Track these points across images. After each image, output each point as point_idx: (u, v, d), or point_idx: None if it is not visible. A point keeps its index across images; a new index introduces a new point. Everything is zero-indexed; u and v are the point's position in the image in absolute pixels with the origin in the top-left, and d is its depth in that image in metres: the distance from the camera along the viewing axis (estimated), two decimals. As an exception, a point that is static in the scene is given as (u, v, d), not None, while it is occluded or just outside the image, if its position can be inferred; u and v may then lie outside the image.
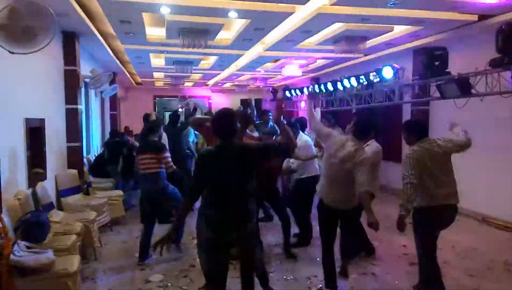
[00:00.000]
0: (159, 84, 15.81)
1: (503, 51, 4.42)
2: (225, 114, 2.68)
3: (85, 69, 7.16)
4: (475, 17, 5.70)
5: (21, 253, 3.18)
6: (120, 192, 6.50)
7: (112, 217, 5.94)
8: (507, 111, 5.77)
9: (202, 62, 10.07)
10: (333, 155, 3.41)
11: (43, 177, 4.99)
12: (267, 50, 8.01)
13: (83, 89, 7.10)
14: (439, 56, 5.61)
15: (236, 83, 15.03)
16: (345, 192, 3.37)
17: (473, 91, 5.16)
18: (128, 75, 12.29)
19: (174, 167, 4.69)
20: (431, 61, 5.73)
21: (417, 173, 3.16)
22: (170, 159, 4.65)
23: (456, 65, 5.64)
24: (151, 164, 4.56)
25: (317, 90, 8.85)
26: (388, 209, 5.09)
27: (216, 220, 2.63)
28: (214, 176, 2.60)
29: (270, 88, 13.25)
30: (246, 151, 2.67)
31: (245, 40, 7.12)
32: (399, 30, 6.61)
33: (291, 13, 5.43)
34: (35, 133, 4.83)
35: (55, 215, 4.73)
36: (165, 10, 5.23)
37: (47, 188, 5.01)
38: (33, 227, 3.66)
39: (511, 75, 4.75)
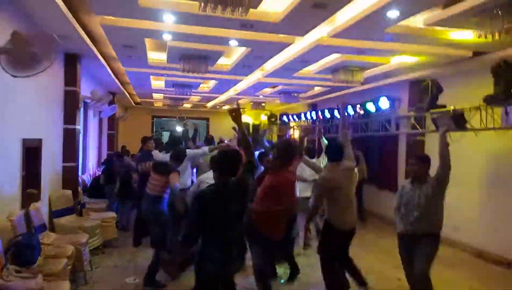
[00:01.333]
0: (158, 104, 15.92)
1: (497, 88, 4.52)
2: (232, 155, 2.76)
3: (85, 89, 7.23)
4: (470, 53, 5.84)
5: (10, 277, 3.13)
6: (113, 214, 6.45)
7: (104, 239, 5.88)
8: (501, 145, 5.83)
9: (201, 85, 10.19)
10: None
11: (37, 198, 4.96)
12: (266, 76, 8.13)
13: (81, 109, 7.15)
14: (434, 89, 5.73)
15: (234, 106, 15.13)
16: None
17: (468, 125, 5.24)
18: (128, 95, 12.39)
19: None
20: (426, 94, 5.86)
21: None
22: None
23: (452, 99, 5.74)
24: (158, 187, 4.57)
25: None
26: (382, 240, 5.01)
27: (222, 258, 2.62)
28: (219, 214, 2.59)
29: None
30: (243, 184, 2.70)
31: (245, 66, 7.25)
32: (395, 62, 6.75)
33: (290, 44, 5.55)
34: (32, 153, 4.84)
35: (47, 237, 4.67)
36: (167, 37, 5.34)
37: (41, 208, 4.98)
38: (23, 250, 3.61)
39: (504, 111, 4.84)
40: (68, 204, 5.84)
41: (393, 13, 4.17)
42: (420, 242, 3.66)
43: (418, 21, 4.66)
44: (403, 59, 6.43)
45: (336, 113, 8.68)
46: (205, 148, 5.94)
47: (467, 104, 5.27)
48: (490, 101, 4.78)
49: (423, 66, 6.64)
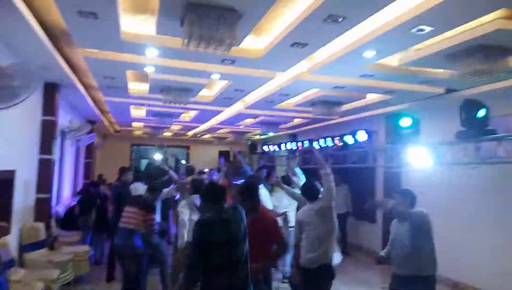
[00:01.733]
0: (137, 133, 15.78)
1: (466, 125, 4.71)
2: (218, 188, 2.85)
3: (63, 117, 7.12)
4: (442, 90, 6.11)
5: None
6: (86, 247, 6.23)
7: (76, 275, 5.64)
8: (474, 179, 6.01)
9: (182, 114, 10.20)
10: None
11: (6, 232, 4.75)
12: (247, 108, 8.23)
13: (59, 138, 7.01)
14: (409, 124, 5.91)
15: (216, 135, 15.18)
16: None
17: (441, 159, 5.39)
18: (107, 123, 12.25)
19: (155, 229, 4.60)
20: (401, 129, 6.03)
21: None
22: (154, 222, 4.57)
23: (426, 133, 5.94)
24: (133, 220, 4.45)
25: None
26: (361, 271, 4.93)
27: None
28: (220, 242, 2.58)
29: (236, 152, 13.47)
30: (239, 210, 2.71)
31: (226, 98, 7.34)
32: (372, 97, 6.97)
33: (271, 78, 5.68)
34: (3, 185, 4.68)
35: (15, 274, 4.46)
36: (149, 69, 5.38)
37: (10, 242, 4.77)
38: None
39: (475, 147, 5.02)
40: (40, 238, 5.61)
41: (369, 53, 4.35)
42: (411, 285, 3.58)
43: (393, 60, 4.87)
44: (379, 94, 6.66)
45: (315, 144, 8.80)
46: (173, 187, 5.69)
47: (441, 138, 5.45)
48: (462, 136, 4.97)
49: (397, 101, 6.87)
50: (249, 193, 3.50)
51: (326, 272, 3.73)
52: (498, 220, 5.75)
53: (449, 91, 6.08)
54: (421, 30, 3.63)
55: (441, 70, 4.94)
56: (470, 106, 4.66)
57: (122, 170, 6.38)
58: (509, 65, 4.14)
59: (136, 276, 4.46)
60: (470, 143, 5.06)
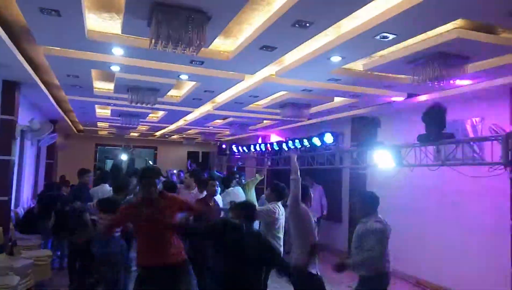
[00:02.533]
0: (103, 132, 15.33)
1: (427, 129, 4.92)
2: None
3: (23, 116, 6.81)
4: (404, 94, 6.35)
5: None
6: (48, 252, 6.00)
7: (37, 280, 5.42)
8: (434, 180, 6.28)
9: (150, 115, 10.02)
10: None
11: (-40, 237, 4.50)
12: (216, 109, 8.20)
13: (18, 138, 6.70)
14: (373, 127, 6.13)
15: (184, 135, 15.02)
16: None
17: (404, 161, 5.60)
18: (70, 123, 11.83)
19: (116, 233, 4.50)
20: (365, 132, 6.23)
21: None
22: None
23: (390, 136, 6.16)
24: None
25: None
26: (328, 271, 4.98)
27: None
28: None
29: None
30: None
31: (195, 99, 7.27)
32: (338, 100, 7.13)
33: (241, 80, 5.69)
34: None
35: (-30, 281, 4.24)
36: (115, 68, 5.25)
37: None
38: None
39: (436, 150, 5.26)
40: (-2, 243, 5.36)
41: (336, 58, 4.46)
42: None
43: (358, 65, 5.02)
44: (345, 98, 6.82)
45: (284, 146, 8.90)
46: None
47: (403, 141, 5.66)
48: (423, 139, 5.18)
49: (362, 104, 7.08)
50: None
51: None
52: (457, 219, 6.04)
53: (410, 95, 6.33)
54: (385, 37, 3.76)
55: (403, 76, 5.13)
56: (430, 110, 4.88)
57: (80, 172, 6.20)
58: (466, 71, 4.36)
59: (116, 283, 4.38)
60: (431, 146, 5.32)
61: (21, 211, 7.57)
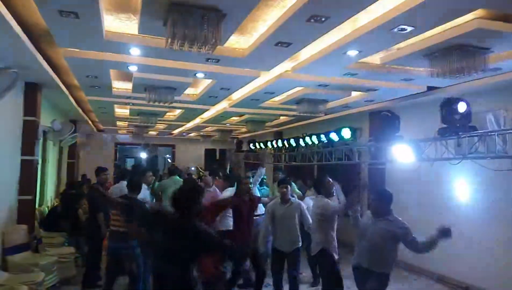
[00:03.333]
0: (122, 132, 15.60)
1: (446, 122, 4.81)
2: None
3: (45, 117, 7.00)
4: (424, 88, 6.22)
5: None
6: (72, 249, 6.15)
7: (62, 277, 5.58)
8: (456, 174, 6.15)
9: (167, 113, 10.13)
10: None
11: (-12, 235, 4.67)
12: (232, 106, 8.23)
13: (41, 138, 6.89)
14: (392, 121, 6.01)
15: (202, 133, 15.13)
16: None
17: (424, 156, 5.50)
18: (90, 123, 12.09)
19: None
20: (385, 126, 6.12)
21: None
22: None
23: (409, 130, 6.04)
24: (122, 222, 4.45)
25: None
26: (345, 267, 4.97)
27: None
28: None
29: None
30: None
31: (211, 97, 7.31)
32: (356, 95, 7.05)
33: (256, 77, 5.69)
34: (-16, 188, 4.58)
35: (-2, 278, 4.39)
36: (133, 68, 5.33)
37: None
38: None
39: (457, 144, 5.14)
40: (23, 240, 5.51)
41: (352, 52, 4.41)
42: (370, 278, 3.70)
43: (375, 59, 4.94)
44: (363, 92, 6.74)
45: (301, 142, 8.85)
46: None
47: (423, 135, 5.55)
48: (443, 133, 5.07)
49: (380, 98, 6.97)
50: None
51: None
52: (481, 214, 5.90)
53: (430, 88, 6.20)
54: (403, 29, 3.69)
55: (422, 68, 5.03)
56: (450, 103, 4.77)
57: (97, 171, 6.31)
58: (487, 63, 4.24)
59: (137, 276, 4.50)
60: (452, 140, 5.20)
61: (45, 209, 7.79)
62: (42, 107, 6.64)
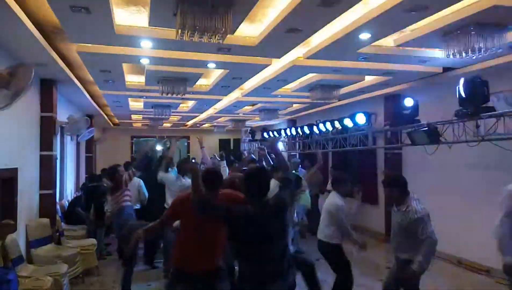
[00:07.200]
0: (137, 125, 15.77)
1: (465, 103, 4.70)
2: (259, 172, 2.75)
3: (62, 113, 7.12)
4: (440, 69, 6.08)
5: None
6: (93, 241, 6.30)
7: (85, 268, 5.73)
8: (475, 157, 6.03)
9: (181, 105, 10.19)
10: None
11: (13, 229, 4.80)
12: (245, 95, 8.21)
13: (58, 133, 7.03)
14: (409, 105, 5.91)
15: (215, 124, 15.18)
16: None
17: (441, 138, 5.40)
18: (106, 117, 12.25)
19: (122, 205, 5.08)
20: (401, 110, 6.03)
21: None
22: (123, 198, 5.11)
23: (425, 113, 5.92)
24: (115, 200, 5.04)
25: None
26: (366, 253, 4.96)
27: (260, 276, 2.59)
28: (254, 236, 2.58)
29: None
30: (280, 203, 2.69)
31: (224, 87, 7.31)
32: (370, 79, 6.94)
33: (268, 65, 5.65)
34: (7, 183, 4.71)
35: (25, 270, 4.54)
36: (145, 61, 5.36)
37: (18, 239, 4.83)
38: (-1, 286, 3.51)
39: (475, 125, 5.02)
40: (46, 233, 5.67)
41: (365, 35, 4.32)
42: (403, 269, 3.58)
43: (389, 41, 4.84)
44: (377, 76, 6.63)
45: (315, 129, 8.80)
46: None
47: (440, 118, 5.45)
48: (461, 115, 4.96)
49: (396, 82, 6.85)
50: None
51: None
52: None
53: (446, 70, 6.06)
54: (417, 8, 3.59)
55: (438, 49, 4.91)
56: (468, 84, 4.65)
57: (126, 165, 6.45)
58: (505, 41, 4.11)
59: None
60: (470, 121, 5.08)
61: (65, 203, 7.98)
62: (58, 103, 6.75)
